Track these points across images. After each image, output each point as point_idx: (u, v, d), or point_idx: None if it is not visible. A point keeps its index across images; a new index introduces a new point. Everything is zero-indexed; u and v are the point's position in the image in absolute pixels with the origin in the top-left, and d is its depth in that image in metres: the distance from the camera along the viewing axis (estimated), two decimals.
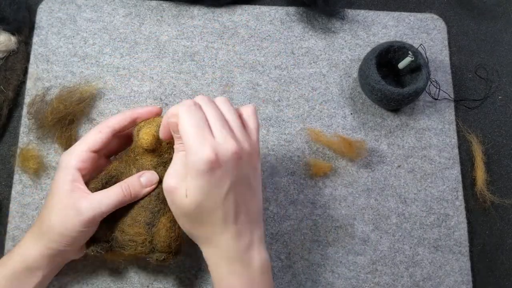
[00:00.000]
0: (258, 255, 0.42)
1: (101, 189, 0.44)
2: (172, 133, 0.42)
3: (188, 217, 0.41)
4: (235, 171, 0.39)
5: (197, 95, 0.47)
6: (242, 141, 0.40)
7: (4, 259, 0.44)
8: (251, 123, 0.43)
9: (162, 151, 0.46)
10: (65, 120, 0.54)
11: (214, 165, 0.38)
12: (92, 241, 0.45)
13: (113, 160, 0.50)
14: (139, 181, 0.44)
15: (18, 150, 0.55)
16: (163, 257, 0.45)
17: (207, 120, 0.40)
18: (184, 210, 0.40)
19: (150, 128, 0.45)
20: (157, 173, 0.45)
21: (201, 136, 0.38)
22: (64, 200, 0.42)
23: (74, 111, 0.55)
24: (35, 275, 0.43)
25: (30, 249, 0.43)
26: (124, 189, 0.43)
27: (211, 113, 0.40)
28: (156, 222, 0.45)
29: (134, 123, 0.47)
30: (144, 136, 0.44)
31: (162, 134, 0.44)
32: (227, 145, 0.38)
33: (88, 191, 0.44)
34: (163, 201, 0.44)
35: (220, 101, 0.42)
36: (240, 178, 0.40)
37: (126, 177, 0.45)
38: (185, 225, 0.42)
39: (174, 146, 0.42)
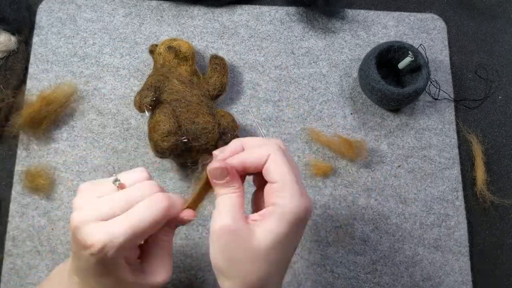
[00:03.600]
0: None
1: (156, 100, 0.51)
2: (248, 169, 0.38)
3: (236, 261, 0.36)
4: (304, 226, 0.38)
5: None
6: None
7: None
8: None
9: (192, 62, 0.55)
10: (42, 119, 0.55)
11: (309, 210, 0.36)
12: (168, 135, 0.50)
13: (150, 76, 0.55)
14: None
15: (22, 174, 0.55)
16: (235, 133, 0.52)
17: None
18: (249, 250, 0.35)
19: (183, 41, 0.55)
20: (193, 81, 0.54)
21: (300, 185, 0.36)
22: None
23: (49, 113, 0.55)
24: None
25: None
26: None
27: (292, 165, 0.38)
28: (215, 112, 0.53)
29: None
30: (185, 45, 0.55)
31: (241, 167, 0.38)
32: (310, 201, 0.37)
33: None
34: (211, 99, 0.55)
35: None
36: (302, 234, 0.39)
37: (169, 88, 0.52)
38: (223, 264, 0.36)
39: (222, 189, 0.37)
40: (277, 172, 0.36)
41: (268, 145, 0.37)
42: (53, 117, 0.56)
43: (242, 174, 0.38)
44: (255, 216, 0.36)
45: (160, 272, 0.39)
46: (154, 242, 0.39)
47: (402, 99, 0.55)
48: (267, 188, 0.37)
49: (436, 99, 0.60)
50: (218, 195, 0.37)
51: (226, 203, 0.36)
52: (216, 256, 0.36)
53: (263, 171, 0.37)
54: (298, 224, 0.36)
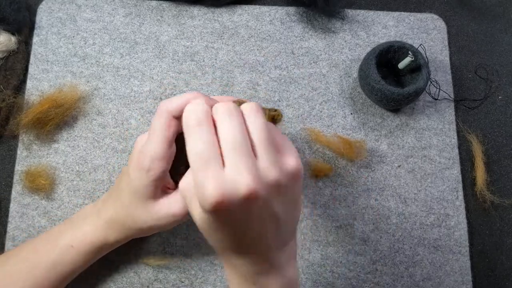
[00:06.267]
0: (277, 280, 0.37)
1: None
2: None
3: (203, 231, 0.37)
4: (249, 213, 0.32)
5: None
6: (266, 172, 0.32)
7: (82, 237, 0.46)
8: (284, 139, 0.37)
9: None
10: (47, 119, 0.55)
11: (220, 208, 0.31)
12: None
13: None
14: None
15: (22, 174, 0.55)
16: None
17: (218, 144, 0.32)
18: (197, 224, 0.36)
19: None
20: None
21: (206, 169, 0.31)
22: (151, 206, 0.43)
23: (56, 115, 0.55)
24: (109, 249, 0.48)
25: (109, 235, 0.46)
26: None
27: (227, 134, 0.32)
28: None
29: None
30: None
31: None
32: (239, 183, 0.31)
33: (168, 194, 0.44)
34: None
35: (248, 110, 0.34)
36: (258, 217, 0.33)
37: None
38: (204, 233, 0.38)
39: None
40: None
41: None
42: (59, 119, 0.56)
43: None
44: None
45: (176, 206, 0.42)
46: None
47: (402, 99, 0.55)
48: None
49: (436, 99, 0.60)
50: None
51: None
52: None
53: None
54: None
